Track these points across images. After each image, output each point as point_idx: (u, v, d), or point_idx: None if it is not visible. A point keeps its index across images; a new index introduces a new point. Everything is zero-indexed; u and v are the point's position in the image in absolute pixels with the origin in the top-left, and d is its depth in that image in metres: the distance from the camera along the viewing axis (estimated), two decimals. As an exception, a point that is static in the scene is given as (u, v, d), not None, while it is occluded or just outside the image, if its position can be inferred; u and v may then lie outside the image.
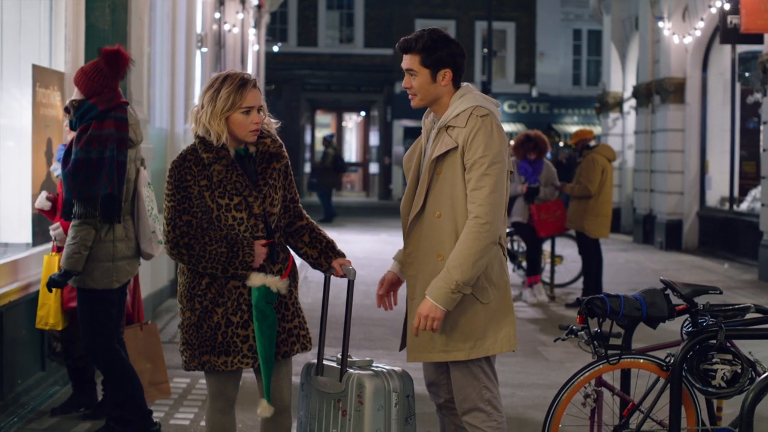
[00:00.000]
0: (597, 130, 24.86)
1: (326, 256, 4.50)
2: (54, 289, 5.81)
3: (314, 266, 4.54)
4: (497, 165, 4.23)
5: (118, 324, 5.92)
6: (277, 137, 4.46)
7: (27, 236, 6.88)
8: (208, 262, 4.22)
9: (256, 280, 4.26)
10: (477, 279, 4.26)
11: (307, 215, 4.57)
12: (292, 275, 4.47)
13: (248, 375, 4.54)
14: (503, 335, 4.35)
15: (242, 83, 4.27)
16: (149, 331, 6.23)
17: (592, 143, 11.83)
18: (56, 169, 6.08)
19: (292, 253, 4.53)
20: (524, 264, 12.61)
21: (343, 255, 4.54)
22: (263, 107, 4.37)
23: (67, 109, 5.71)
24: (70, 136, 5.96)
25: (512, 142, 11.64)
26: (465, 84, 4.42)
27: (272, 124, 4.47)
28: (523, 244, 12.46)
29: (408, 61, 4.34)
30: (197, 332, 4.31)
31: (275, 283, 4.28)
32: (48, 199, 6.11)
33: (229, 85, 4.25)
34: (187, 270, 4.34)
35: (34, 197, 6.62)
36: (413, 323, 4.25)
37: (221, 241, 4.23)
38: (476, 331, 4.28)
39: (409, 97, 4.41)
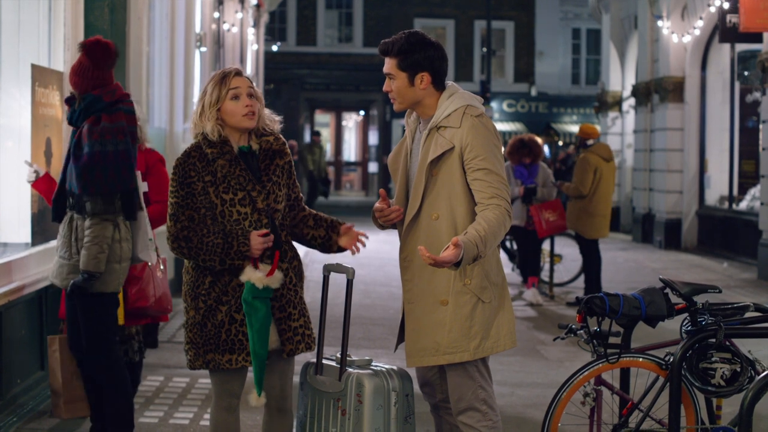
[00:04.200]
0: (597, 129, 24.85)
1: (333, 230, 4.51)
2: None
3: (324, 248, 4.52)
4: (500, 163, 4.26)
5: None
6: (280, 135, 4.49)
7: (26, 236, 6.86)
8: (206, 254, 4.25)
9: (244, 275, 4.28)
10: (479, 278, 4.27)
11: (310, 209, 4.59)
12: (298, 275, 4.48)
13: (251, 375, 4.54)
14: (505, 332, 4.36)
15: (223, 74, 4.35)
16: None
17: (590, 142, 11.72)
18: None
19: (298, 251, 4.54)
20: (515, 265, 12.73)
21: (350, 225, 4.55)
22: (256, 95, 4.38)
23: (68, 101, 5.49)
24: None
25: (507, 147, 11.65)
26: (450, 83, 4.40)
27: (276, 122, 4.50)
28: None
29: (387, 65, 4.34)
30: (201, 331, 4.33)
31: (259, 279, 4.29)
32: (36, 172, 5.84)
33: (211, 81, 4.35)
34: (192, 269, 4.37)
35: (34, 197, 6.61)
36: (441, 255, 3.99)
37: (218, 233, 4.26)
38: (480, 330, 4.28)
39: (391, 101, 4.42)
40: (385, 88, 4.38)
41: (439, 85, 4.34)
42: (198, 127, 4.35)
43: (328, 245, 4.53)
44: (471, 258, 4.05)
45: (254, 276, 4.28)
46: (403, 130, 4.66)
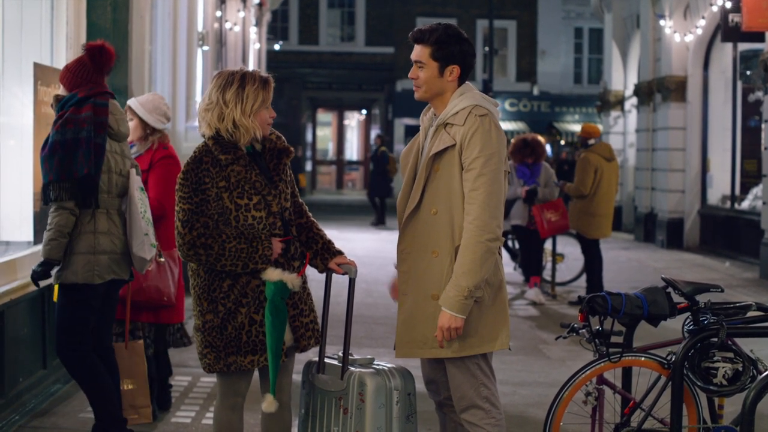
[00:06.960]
0: (599, 128, 24.83)
1: (322, 258, 4.51)
2: None
3: (309, 265, 4.55)
4: (493, 165, 4.23)
5: (106, 330, 5.69)
6: (279, 133, 4.49)
7: (28, 234, 6.87)
8: (227, 259, 4.20)
9: (274, 274, 4.26)
10: None
11: (308, 213, 4.58)
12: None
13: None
14: (495, 334, 4.35)
15: (265, 80, 4.32)
16: (134, 350, 5.99)
17: (591, 141, 11.68)
18: None
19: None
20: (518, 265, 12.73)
21: (340, 253, 4.55)
22: None
23: (53, 105, 5.52)
24: None
25: (510, 147, 11.62)
26: (465, 83, 4.42)
27: None
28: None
29: (418, 52, 4.35)
30: (221, 334, 4.29)
31: (292, 279, 4.30)
32: None
33: (253, 83, 4.28)
34: (204, 272, 4.31)
35: (36, 195, 6.62)
36: (436, 335, 4.26)
37: (239, 237, 4.22)
38: (467, 328, 4.28)
39: (414, 88, 4.42)
40: (411, 74, 4.39)
41: (462, 81, 4.38)
42: (230, 124, 4.24)
43: (312, 265, 4.53)
44: (461, 300, 4.18)
45: (286, 277, 4.27)
46: (405, 130, 4.68)
